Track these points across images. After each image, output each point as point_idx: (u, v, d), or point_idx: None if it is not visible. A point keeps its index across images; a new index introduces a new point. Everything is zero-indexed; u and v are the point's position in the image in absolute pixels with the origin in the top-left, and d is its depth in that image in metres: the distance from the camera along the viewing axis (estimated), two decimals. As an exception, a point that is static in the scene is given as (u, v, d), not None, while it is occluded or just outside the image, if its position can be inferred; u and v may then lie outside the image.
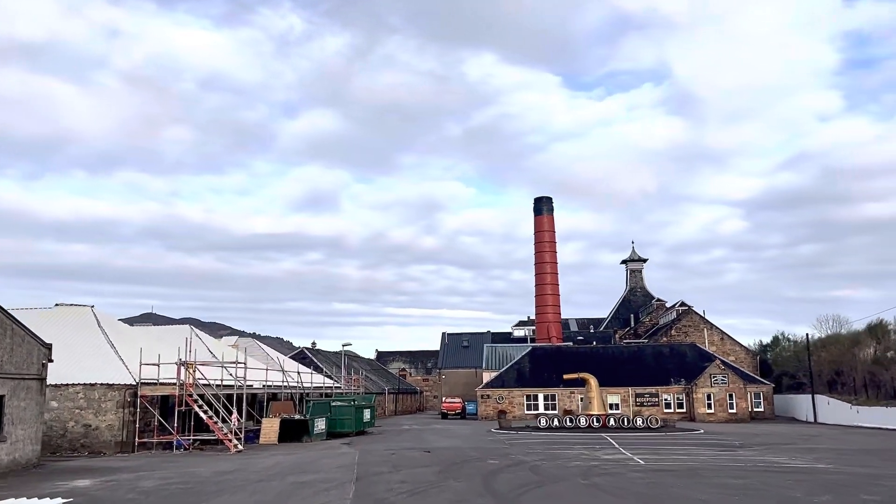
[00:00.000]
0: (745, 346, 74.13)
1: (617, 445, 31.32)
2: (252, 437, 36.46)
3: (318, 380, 59.31)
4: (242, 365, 36.12)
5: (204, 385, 34.80)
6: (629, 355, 68.57)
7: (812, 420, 56.35)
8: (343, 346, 62.23)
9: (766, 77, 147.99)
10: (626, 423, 42.09)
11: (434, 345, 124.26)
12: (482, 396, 66.25)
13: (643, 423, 41.96)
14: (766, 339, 79.98)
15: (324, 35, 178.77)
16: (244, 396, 36.41)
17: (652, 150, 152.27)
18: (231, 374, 37.15)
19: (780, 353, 72.93)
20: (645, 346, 70.42)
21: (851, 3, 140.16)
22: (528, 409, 65.52)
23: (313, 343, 75.61)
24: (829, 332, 75.18)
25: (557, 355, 69.93)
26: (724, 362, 63.04)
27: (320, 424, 38.35)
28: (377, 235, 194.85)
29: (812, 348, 63.90)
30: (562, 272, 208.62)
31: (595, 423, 42.02)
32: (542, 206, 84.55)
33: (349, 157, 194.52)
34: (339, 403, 42.42)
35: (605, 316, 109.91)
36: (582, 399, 63.29)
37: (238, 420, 34.45)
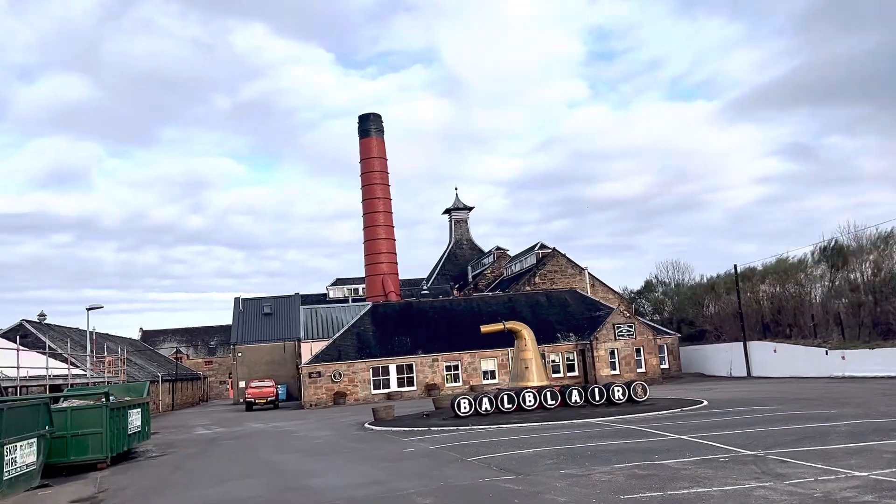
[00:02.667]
0: (618, 293, 61.93)
1: (744, 452, 14.49)
2: None
3: (45, 365, 35.73)
4: None
5: None
6: (500, 309, 52.67)
7: (745, 374, 44.42)
8: (89, 309, 38.86)
9: (524, 65, 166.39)
10: (596, 397, 25.37)
11: (215, 322, 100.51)
12: (310, 375, 46.36)
13: (623, 394, 25.62)
14: (632, 286, 68.84)
15: None
16: None
17: (422, 130, 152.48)
18: None
19: (661, 300, 61.60)
20: (516, 295, 55.06)
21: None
22: (375, 388, 47.01)
23: (41, 315, 50.30)
24: (678, 279, 65.81)
25: (409, 314, 51.97)
26: (628, 309, 49.39)
27: (22, 454, 16.68)
28: (137, 215, 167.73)
29: (713, 287, 52.63)
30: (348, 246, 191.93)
31: (548, 401, 24.84)
32: (369, 126, 65.47)
33: (102, 128, 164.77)
34: (74, 405, 20.73)
35: (426, 276, 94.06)
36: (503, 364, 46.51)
37: None
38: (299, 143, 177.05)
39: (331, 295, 74.59)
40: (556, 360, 48.94)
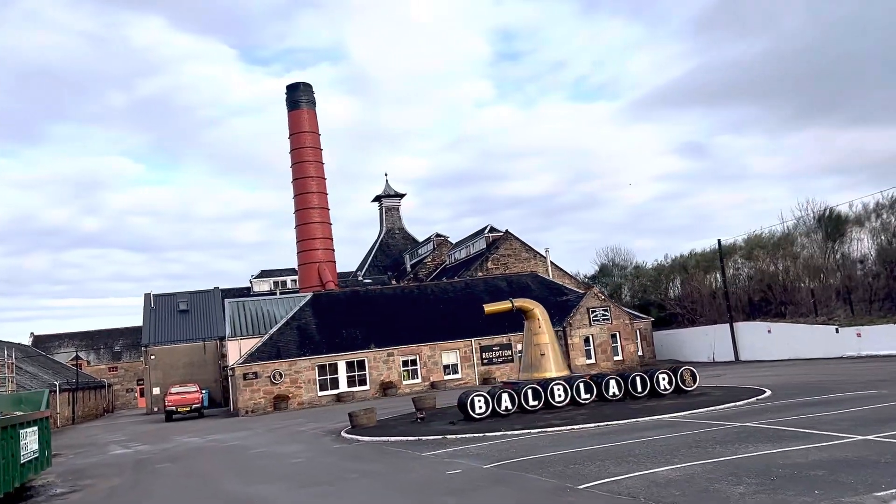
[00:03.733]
0: (574, 277, 57.75)
1: None
2: None
3: None
4: None
5: None
6: (456, 296, 47.30)
7: (732, 358, 40.83)
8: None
9: (432, 64, 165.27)
10: (638, 388, 20.40)
11: (119, 324, 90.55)
12: (244, 377, 39.45)
13: (669, 382, 20.74)
14: (584, 269, 64.92)
15: None
16: None
17: (330, 128, 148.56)
18: None
19: (618, 284, 57.78)
20: (474, 281, 49.77)
21: (500, 0, 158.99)
22: (322, 389, 40.65)
23: None
24: (627, 263, 62.65)
25: (357, 303, 45.73)
26: (602, 291, 45.02)
27: None
28: (25, 217, 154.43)
29: (685, 267, 49.12)
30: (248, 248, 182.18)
31: (581, 395, 19.68)
32: (299, 97, 58.38)
33: None
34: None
35: (355, 268, 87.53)
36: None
37: None
38: (201, 142, 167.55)
39: (255, 288, 66.93)
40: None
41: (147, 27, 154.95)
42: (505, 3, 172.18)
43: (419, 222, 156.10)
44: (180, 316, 62.42)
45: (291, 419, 31.90)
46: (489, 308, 23.62)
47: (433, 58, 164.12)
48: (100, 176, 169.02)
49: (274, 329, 42.68)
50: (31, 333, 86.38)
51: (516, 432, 16.80)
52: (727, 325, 41.52)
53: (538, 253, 57.60)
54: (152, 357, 57.63)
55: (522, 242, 58.20)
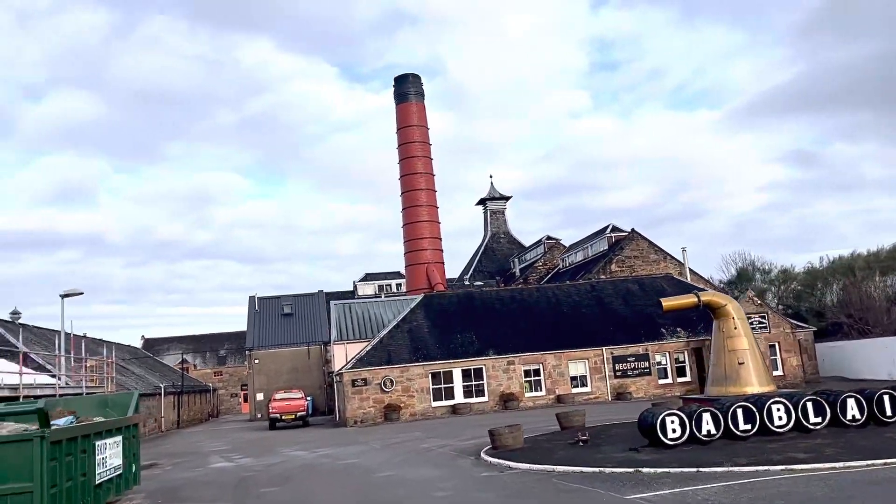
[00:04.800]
0: (710, 282, 51.52)
1: None
2: None
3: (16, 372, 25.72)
4: None
5: None
6: (581, 299, 42.38)
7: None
8: (64, 296, 28.56)
9: (527, 75, 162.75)
10: (887, 410, 14.97)
11: (225, 329, 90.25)
12: (353, 383, 36.02)
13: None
14: (716, 275, 58.34)
15: (75, 9, 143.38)
16: None
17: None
18: None
19: (761, 290, 51.07)
20: (601, 283, 44.70)
21: (596, 10, 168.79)
22: (436, 399, 36.63)
23: (14, 313, 40.08)
24: (752, 268, 55.42)
25: (472, 306, 41.64)
26: (759, 295, 39.00)
27: None
28: (143, 231, 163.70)
29: (852, 269, 42.21)
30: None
31: (810, 419, 14.37)
32: (408, 89, 55.14)
33: (107, 145, 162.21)
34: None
35: (458, 275, 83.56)
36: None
37: None
38: (305, 157, 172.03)
39: (360, 292, 64.16)
40: (663, 362, 38.57)
41: (256, 48, 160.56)
42: (601, 13, 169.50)
43: (515, 233, 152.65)
44: (284, 319, 60.31)
45: (406, 432, 28.02)
46: (668, 303, 18.77)
47: (528, 69, 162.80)
48: (211, 191, 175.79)
49: (384, 332, 39.13)
50: (143, 336, 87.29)
51: (745, 468, 12.00)
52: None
53: (669, 254, 51.80)
54: (256, 361, 55.58)
55: (651, 242, 52.54)
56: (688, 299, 18.66)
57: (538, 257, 69.05)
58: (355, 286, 65.45)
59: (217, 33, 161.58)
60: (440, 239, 54.86)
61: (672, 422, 14.64)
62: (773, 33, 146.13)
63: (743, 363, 17.31)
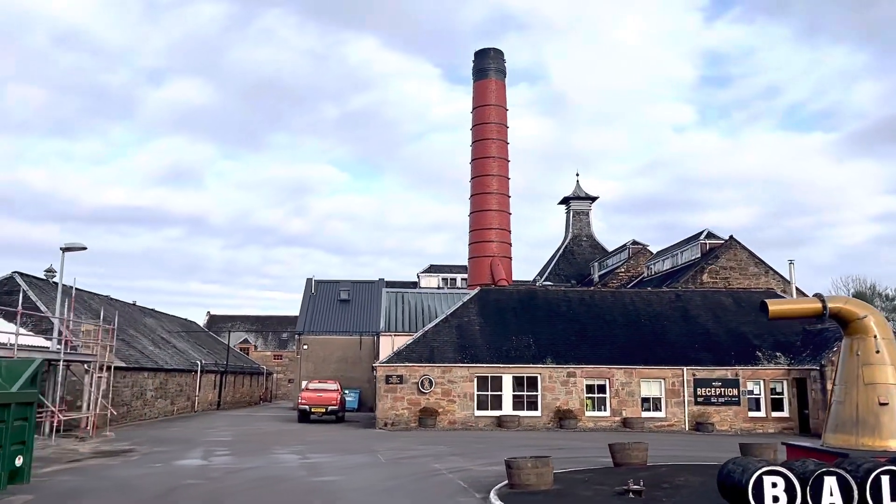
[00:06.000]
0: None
1: None
2: None
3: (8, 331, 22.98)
4: None
5: None
6: (662, 309, 36.51)
7: None
8: (64, 249, 25.37)
9: (631, 85, 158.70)
10: None
11: (291, 311, 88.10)
12: (387, 380, 31.67)
13: None
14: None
15: (198, 1, 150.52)
16: None
17: (522, 148, 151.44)
18: None
19: (890, 319, 43.35)
20: (687, 292, 38.66)
21: (711, 23, 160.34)
22: (480, 408, 31.79)
23: (49, 271, 37.95)
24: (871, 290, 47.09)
25: (533, 305, 36.58)
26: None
27: None
28: (243, 215, 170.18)
29: None
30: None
31: None
32: (487, 65, 50.40)
33: (218, 131, 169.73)
34: None
35: (533, 277, 78.11)
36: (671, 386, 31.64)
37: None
38: (401, 155, 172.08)
39: (422, 283, 59.94)
40: (756, 391, 32.27)
41: (362, 46, 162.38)
42: (716, 25, 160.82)
43: (600, 238, 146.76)
44: (340, 306, 56.82)
45: (434, 444, 23.40)
46: (776, 306, 13.29)
47: (633, 79, 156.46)
48: (309, 182, 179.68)
49: (429, 326, 34.63)
50: (208, 312, 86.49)
51: None
52: None
53: (772, 268, 44.89)
54: (305, 347, 52.27)
55: (751, 253, 45.71)
56: (807, 304, 13.17)
57: (621, 263, 62.80)
58: (418, 277, 61.30)
59: (326, 29, 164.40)
60: (509, 231, 49.92)
61: (774, 485, 9.34)
62: None
63: (887, 404, 11.71)
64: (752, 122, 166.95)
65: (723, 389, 32.14)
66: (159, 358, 39.37)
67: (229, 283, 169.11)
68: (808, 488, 9.33)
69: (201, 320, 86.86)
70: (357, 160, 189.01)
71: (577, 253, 76.95)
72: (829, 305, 12.71)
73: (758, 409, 32.17)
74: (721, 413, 31.86)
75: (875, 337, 12.33)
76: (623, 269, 61.83)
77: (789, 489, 9.31)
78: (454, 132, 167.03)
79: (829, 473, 9.46)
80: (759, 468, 9.52)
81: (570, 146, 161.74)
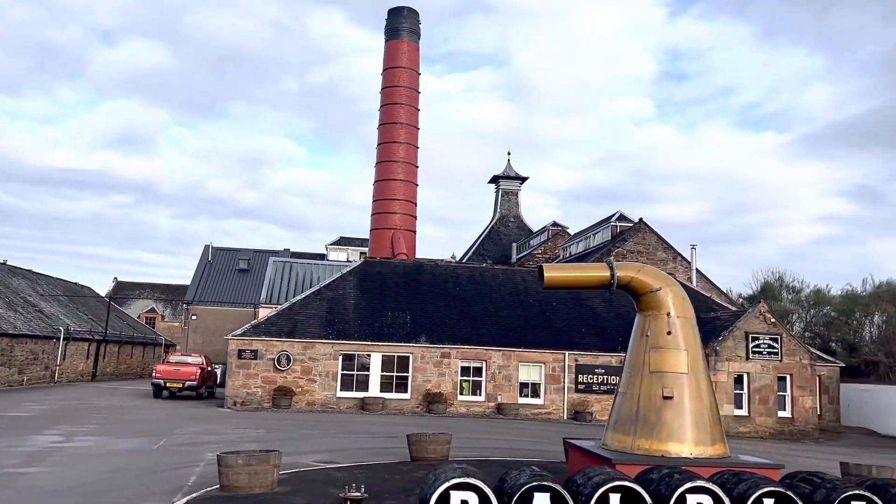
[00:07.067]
0: (726, 294, 42.91)
1: None
2: None
3: None
4: None
5: None
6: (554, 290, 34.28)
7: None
8: None
9: (594, 77, 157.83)
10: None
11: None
12: (239, 354, 28.75)
13: None
14: (737, 289, 49.57)
15: None
16: None
17: (482, 133, 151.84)
18: None
19: (787, 312, 42.13)
20: (583, 274, 36.59)
21: (674, 18, 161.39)
22: (344, 388, 29.19)
23: None
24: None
25: (418, 281, 34.00)
26: (771, 311, 30.39)
27: None
28: (195, 184, 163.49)
29: (890, 298, 33.35)
30: None
31: None
32: (399, 24, 47.24)
33: (173, 97, 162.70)
34: None
35: (457, 257, 75.72)
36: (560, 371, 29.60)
37: None
38: (360, 132, 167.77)
39: (331, 256, 56.89)
40: (640, 380, 30.34)
41: (327, 19, 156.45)
42: (680, 21, 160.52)
43: (532, 226, 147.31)
44: (239, 276, 53.57)
45: (263, 427, 20.71)
46: (553, 273, 10.82)
47: (596, 71, 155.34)
48: (265, 154, 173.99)
49: (298, 297, 31.79)
50: (114, 279, 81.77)
51: None
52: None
53: (681, 255, 43.22)
54: (194, 317, 48.98)
55: (660, 237, 43.91)
56: (593, 272, 10.73)
57: (539, 245, 60.92)
58: (327, 249, 58.23)
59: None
60: (415, 204, 47.16)
61: (464, 502, 6.85)
62: (855, 62, 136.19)
63: (671, 398, 9.35)
64: (707, 120, 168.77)
65: (606, 377, 30.17)
66: (6, 321, 35.60)
67: (177, 253, 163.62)
68: (508, 499, 6.86)
69: (108, 288, 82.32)
70: (315, 135, 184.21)
71: (504, 233, 74.70)
72: (619, 274, 10.30)
73: (641, 399, 30.29)
74: (602, 402, 29.87)
75: (668, 315, 9.94)
76: (540, 251, 59.83)
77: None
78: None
79: (543, 489, 6.99)
80: (450, 479, 6.99)
81: (530, 133, 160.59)
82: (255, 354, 28.58)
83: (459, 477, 6.99)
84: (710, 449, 9.32)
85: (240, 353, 28.58)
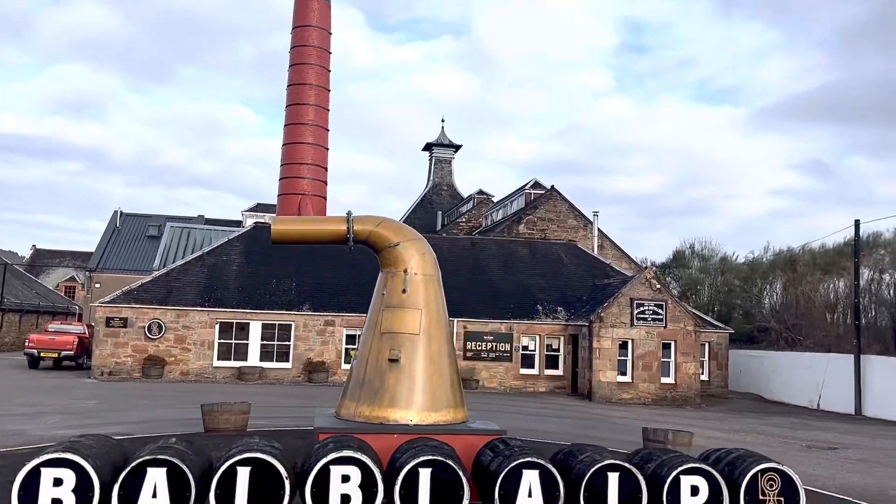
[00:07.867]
0: (635, 262, 42.80)
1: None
2: None
3: None
4: None
5: None
6: (454, 256, 33.59)
7: (852, 410, 25.44)
8: None
9: (555, 48, 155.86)
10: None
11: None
12: (107, 321, 27.38)
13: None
14: (651, 257, 49.63)
15: None
16: None
17: (443, 103, 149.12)
18: None
19: (696, 280, 42.24)
20: (482, 241, 36.03)
21: None
22: (221, 358, 28.11)
23: None
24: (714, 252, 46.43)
25: (309, 247, 32.71)
26: (658, 278, 30.14)
27: None
28: (148, 152, 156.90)
29: (792, 262, 33.52)
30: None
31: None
32: (312, -16, 45.41)
33: (124, 62, 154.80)
34: None
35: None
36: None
37: None
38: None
39: (247, 223, 55.18)
40: (532, 348, 29.97)
41: None
42: None
43: (461, 187, 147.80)
44: (148, 242, 51.59)
45: (106, 398, 19.55)
46: (281, 226, 10.11)
47: (557, 42, 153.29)
48: (221, 123, 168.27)
49: (176, 264, 30.49)
50: (33, 246, 78.63)
51: None
52: (849, 357, 26.01)
53: (590, 221, 42.90)
54: (97, 285, 46.94)
55: (571, 205, 43.50)
56: (327, 224, 10.16)
57: (464, 213, 60.25)
58: (243, 216, 56.46)
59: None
60: (325, 169, 45.62)
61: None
62: (811, 37, 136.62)
63: (397, 361, 8.55)
64: (665, 92, 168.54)
65: (494, 344, 29.65)
66: None
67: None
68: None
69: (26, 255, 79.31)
70: (272, 103, 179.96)
71: (436, 202, 73.78)
72: (356, 227, 9.55)
73: (532, 366, 29.91)
74: (491, 369, 29.45)
75: (405, 271, 9.10)
76: (465, 220, 59.13)
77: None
78: (373, 82, 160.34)
79: (157, 463, 6.10)
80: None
81: (491, 105, 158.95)
82: (125, 322, 27.24)
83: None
84: (438, 415, 8.58)
85: (108, 321, 27.20)
